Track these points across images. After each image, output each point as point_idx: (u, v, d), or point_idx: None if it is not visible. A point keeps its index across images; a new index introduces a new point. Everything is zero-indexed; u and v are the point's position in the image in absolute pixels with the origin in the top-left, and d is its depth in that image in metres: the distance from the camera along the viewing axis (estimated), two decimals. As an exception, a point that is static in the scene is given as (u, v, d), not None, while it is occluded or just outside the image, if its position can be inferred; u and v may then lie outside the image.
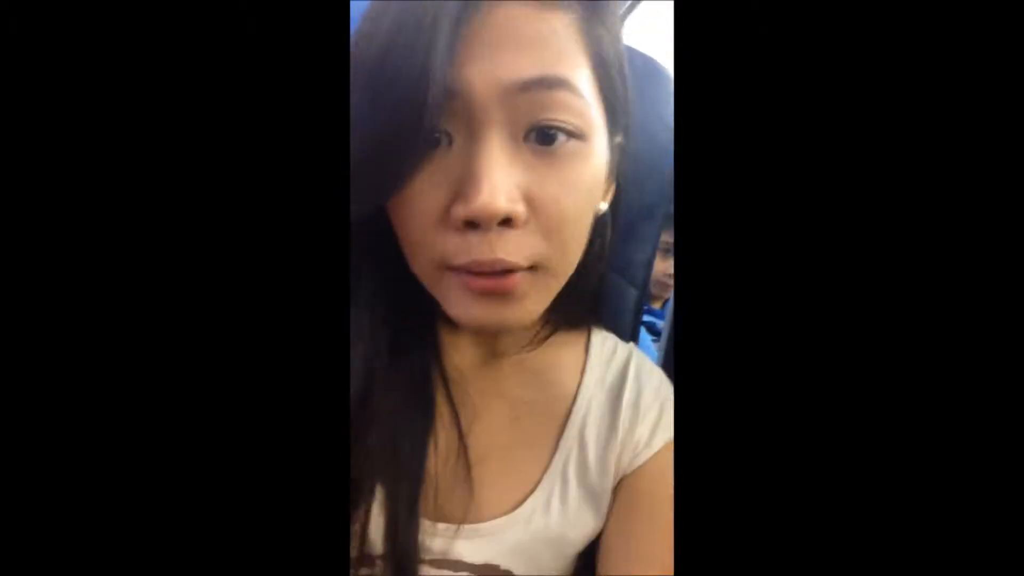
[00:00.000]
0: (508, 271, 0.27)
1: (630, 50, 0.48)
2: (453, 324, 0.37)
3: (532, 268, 0.28)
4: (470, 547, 0.34)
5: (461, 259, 0.26)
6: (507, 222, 0.26)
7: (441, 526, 0.34)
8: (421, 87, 0.24)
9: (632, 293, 0.53)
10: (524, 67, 0.25)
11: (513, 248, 0.26)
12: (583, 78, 0.27)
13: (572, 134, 0.26)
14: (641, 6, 1.13)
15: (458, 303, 0.28)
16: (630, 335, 0.52)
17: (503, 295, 0.28)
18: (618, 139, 0.31)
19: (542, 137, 0.26)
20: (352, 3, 0.24)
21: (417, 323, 0.35)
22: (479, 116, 0.25)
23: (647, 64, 0.47)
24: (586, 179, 0.28)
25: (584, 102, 0.26)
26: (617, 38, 0.29)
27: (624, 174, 0.34)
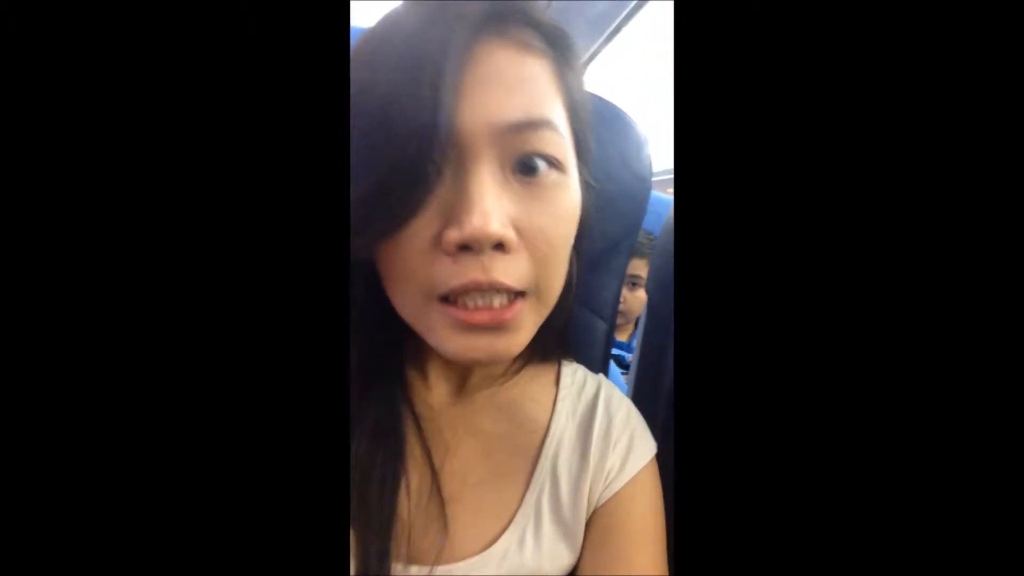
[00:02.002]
0: (508, 303, 0.28)
1: (595, 97, 0.51)
2: (421, 362, 0.37)
3: (524, 295, 0.29)
4: None
5: (456, 282, 0.27)
6: (499, 247, 0.27)
7: (414, 568, 0.34)
8: (428, 134, 0.25)
9: (601, 326, 0.54)
10: (511, 110, 0.27)
11: (508, 271, 0.27)
12: (561, 117, 0.29)
13: (554, 164, 0.28)
14: (605, 50, 1.19)
15: (449, 338, 0.29)
16: (600, 367, 0.53)
17: (498, 327, 0.28)
18: (583, 175, 0.33)
19: (527, 168, 0.27)
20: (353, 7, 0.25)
21: (384, 362, 0.35)
22: (469, 152, 0.27)
23: (611, 110, 0.50)
24: (568, 208, 0.30)
25: (563, 139, 0.29)
26: (582, 83, 0.32)
27: (588, 209, 0.36)
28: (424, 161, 0.25)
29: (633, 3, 1.00)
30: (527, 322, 0.29)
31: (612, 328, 0.56)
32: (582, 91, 0.32)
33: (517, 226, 0.27)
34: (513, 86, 0.27)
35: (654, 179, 0.53)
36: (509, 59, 0.27)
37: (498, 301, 0.28)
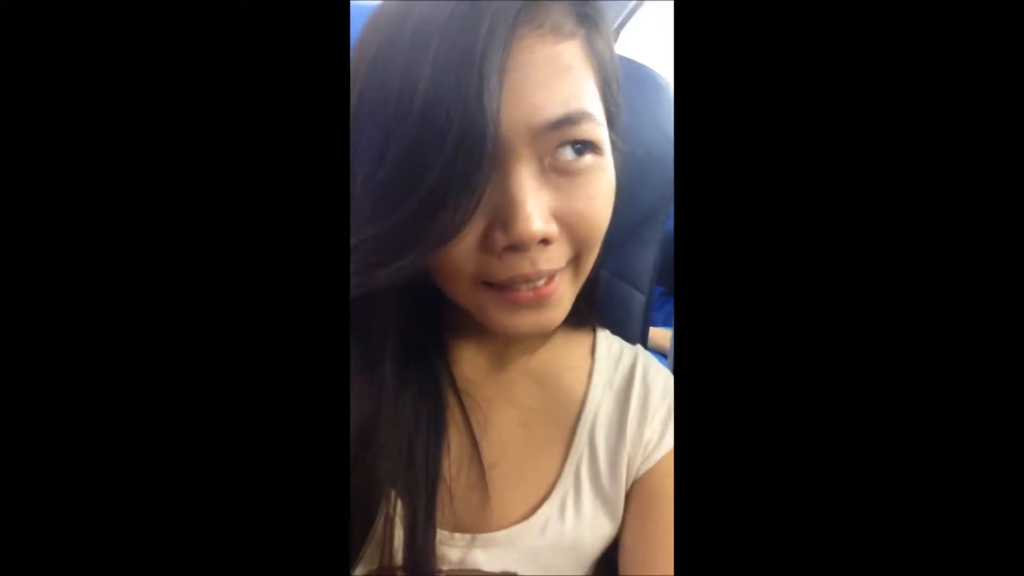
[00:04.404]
0: (548, 280, 0.29)
1: (625, 60, 0.49)
2: (460, 334, 0.37)
3: (563, 268, 0.30)
4: (486, 556, 0.35)
5: (504, 275, 0.28)
6: (543, 240, 0.28)
7: (457, 535, 0.35)
8: (477, 140, 0.25)
9: (638, 298, 0.53)
10: (550, 107, 0.26)
11: (552, 258, 0.29)
12: (595, 100, 0.29)
13: (591, 150, 0.28)
14: (636, 17, 1.14)
15: (497, 316, 0.30)
16: (638, 340, 0.53)
17: (541, 303, 0.30)
18: (614, 141, 0.32)
19: (565, 157, 0.27)
20: (352, 11, 0.24)
21: (425, 334, 0.36)
22: (510, 152, 0.26)
23: (642, 73, 0.48)
24: (604, 187, 0.30)
25: (599, 123, 0.28)
26: (611, 45, 0.31)
27: (619, 173, 0.35)
28: (473, 168, 0.25)
29: (632, 3, 0.95)
30: (566, 293, 0.31)
31: (650, 300, 0.55)
32: (612, 54, 0.31)
33: (558, 215, 0.28)
34: (550, 81, 0.26)
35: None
36: (545, 51, 0.27)
37: (541, 281, 0.29)
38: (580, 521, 0.36)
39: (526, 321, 0.30)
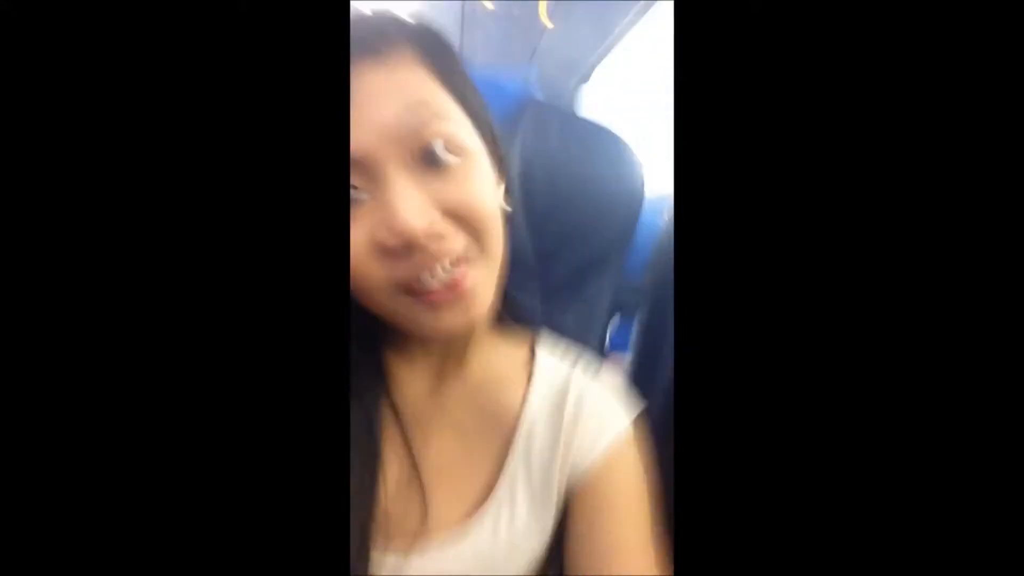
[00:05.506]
0: (456, 273, 0.31)
1: (585, 121, 0.54)
2: (399, 356, 0.39)
3: (468, 259, 0.31)
4: (422, 566, 0.34)
5: (405, 274, 0.30)
6: (431, 235, 0.29)
7: (390, 557, 0.34)
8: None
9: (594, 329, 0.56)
10: (391, 117, 0.29)
11: (444, 246, 0.30)
12: (442, 99, 0.31)
13: (453, 149, 0.30)
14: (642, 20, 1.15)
15: (419, 320, 0.32)
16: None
17: (458, 297, 0.31)
18: (498, 158, 0.35)
19: (430, 158, 0.30)
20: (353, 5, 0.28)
21: (362, 357, 0.37)
22: (372, 160, 0.29)
23: (599, 132, 0.53)
24: (479, 181, 0.32)
25: (451, 121, 0.31)
26: (468, 83, 0.34)
27: (515, 193, 0.38)
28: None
29: (639, 3, 0.97)
30: (481, 282, 0.32)
31: (602, 349, 0.57)
32: (470, 88, 0.34)
33: (441, 208, 0.30)
34: (387, 94, 0.29)
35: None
36: (372, 82, 0.29)
37: (449, 268, 0.31)
38: (513, 532, 0.36)
39: (449, 320, 0.32)
